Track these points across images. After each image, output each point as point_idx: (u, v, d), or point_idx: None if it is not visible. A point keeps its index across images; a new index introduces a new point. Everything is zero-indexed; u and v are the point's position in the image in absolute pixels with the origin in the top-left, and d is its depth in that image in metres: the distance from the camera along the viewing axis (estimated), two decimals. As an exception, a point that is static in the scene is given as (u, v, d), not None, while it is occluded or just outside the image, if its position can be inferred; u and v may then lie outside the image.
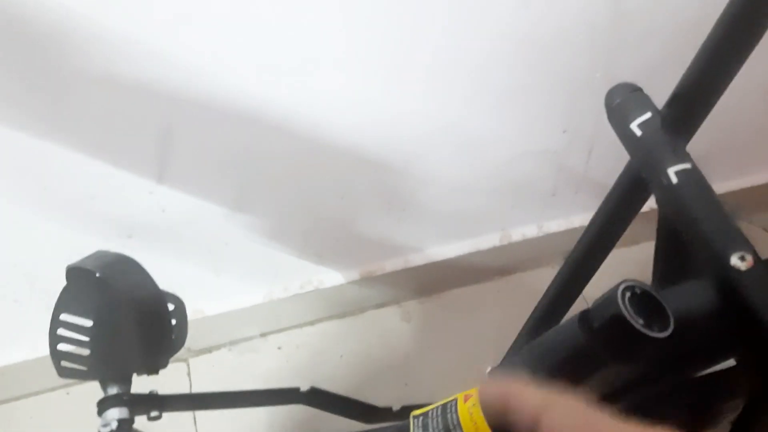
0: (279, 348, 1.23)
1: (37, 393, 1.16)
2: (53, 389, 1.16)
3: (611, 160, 1.10)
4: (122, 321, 0.64)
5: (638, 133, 0.49)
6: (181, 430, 1.11)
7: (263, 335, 1.24)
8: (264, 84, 0.82)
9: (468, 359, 1.21)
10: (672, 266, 0.52)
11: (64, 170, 0.84)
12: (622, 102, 0.52)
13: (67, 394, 1.16)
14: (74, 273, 0.66)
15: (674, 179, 0.46)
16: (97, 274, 0.63)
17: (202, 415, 1.13)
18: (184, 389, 1.18)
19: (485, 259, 1.24)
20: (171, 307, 0.70)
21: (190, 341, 1.19)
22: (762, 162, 1.25)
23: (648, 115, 0.49)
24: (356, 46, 0.82)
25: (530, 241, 1.23)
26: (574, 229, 1.22)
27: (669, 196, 0.46)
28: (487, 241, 1.22)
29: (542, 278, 1.27)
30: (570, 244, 1.24)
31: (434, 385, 1.17)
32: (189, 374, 1.20)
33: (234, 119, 0.85)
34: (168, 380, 1.21)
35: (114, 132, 0.82)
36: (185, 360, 1.21)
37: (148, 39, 0.74)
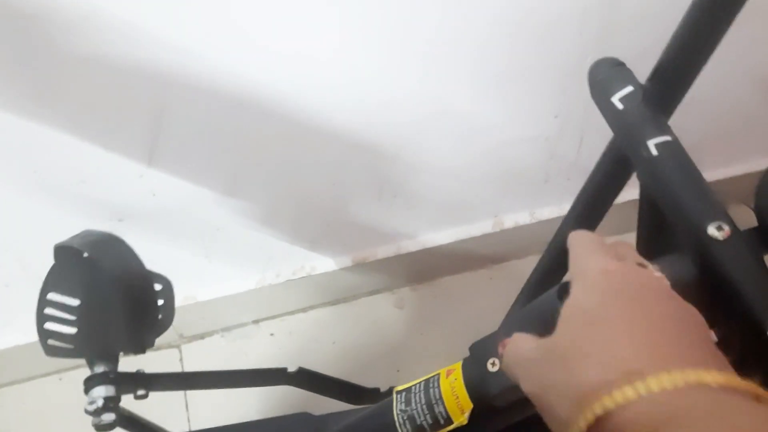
0: (271, 334, 1.23)
1: (29, 378, 1.16)
2: (46, 374, 1.16)
3: (602, 147, 1.11)
4: (108, 300, 0.64)
5: (620, 106, 0.49)
6: (172, 411, 1.12)
7: (256, 322, 1.24)
8: (255, 65, 0.82)
9: (460, 346, 1.20)
10: (653, 240, 0.52)
11: (53, 153, 0.84)
12: (604, 77, 0.52)
13: (60, 379, 1.17)
14: (62, 252, 0.66)
15: (654, 151, 0.46)
16: (84, 253, 0.63)
17: (193, 397, 1.13)
18: (176, 375, 1.18)
19: (478, 246, 1.24)
20: (158, 287, 0.70)
21: (182, 327, 1.20)
22: (752, 150, 1.25)
23: (629, 89, 0.49)
24: (350, 27, 0.82)
25: (523, 228, 1.23)
26: (567, 216, 1.22)
27: (649, 168, 0.46)
28: (480, 227, 1.22)
29: (534, 266, 1.27)
30: (562, 231, 1.24)
31: (426, 371, 1.16)
32: (181, 360, 1.20)
33: (225, 103, 0.85)
34: (160, 366, 1.22)
35: (103, 114, 0.82)
36: (177, 346, 1.21)
37: (138, 19, 0.74)
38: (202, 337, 1.22)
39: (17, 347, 1.08)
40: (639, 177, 0.50)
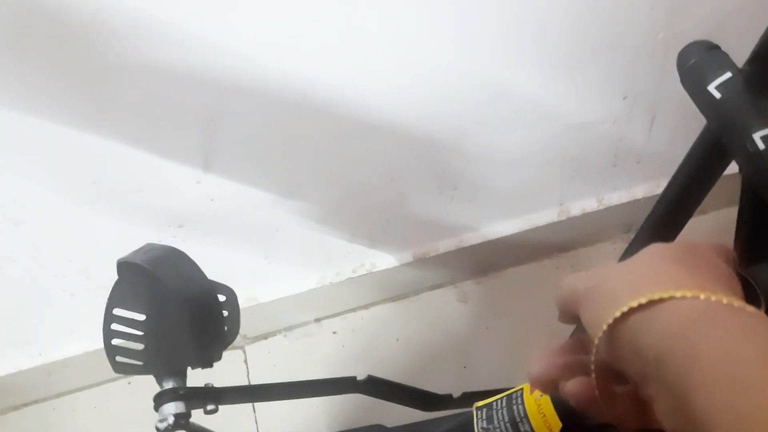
0: (334, 333, 1.22)
1: (98, 384, 1.18)
2: (114, 380, 1.18)
3: (676, 127, 1.05)
4: (173, 315, 0.63)
5: (717, 95, 0.44)
6: (241, 416, 1.12)
7: (318, 320, 1.22)
8: (307, 64, 0.80)
9: (528, 340, 1.17)
10: (758, 239, 0.47)
11: (110, 163, 0.84)
12: (696, 62, 0.47)
13: (129, 384, 1.18)
14: (124, 267, 0.65)
15: (761, 145, 0.41)
16: (147, 268, 0.62)
17: (261, 405, 1.13)
18: (241, 376, 1.18)
19: (543, 236, 1.19)
20: (222, 298, 0.69)
21: (245, 328, 1.19)
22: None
23: (728, 74, 0.44)
24: (403, 16, 0.78)
25: (590, 215, 1.18)
26: (637, 201, 1.16)
27: (754, 163, 0.42)
28: (545, 216, 1.18)
29: (603, 253, 1.22)
30: (632, 217, 1.19)
31: (494, 367, 1.14)
32: (246, 361, 1.19)
33: (278, 104, 0.83)
34: (225, 368, 1.22)
35: (157, 122, 0.81)
36: (242, 347, 1.21)
37: (189, 24, 0.72)
38: (265, 337, 1.21)
39: (86, 354, 1.09)
40: (741, 171, 0.45)
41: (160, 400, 0.64)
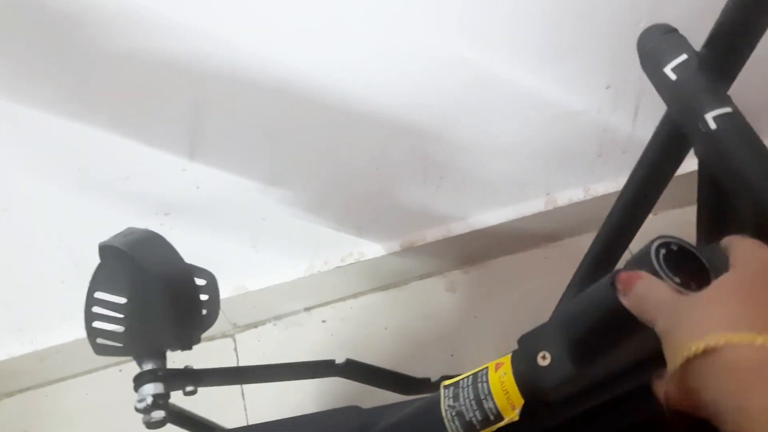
0: (323, 321, 1.23)
1: (90, 371, 1.19)
2: (106, 367, 1.19)
3: (661, 116, 1.05)
4: (152, 297, 0.64)
5: (673, 77, 0.45)
6: (230, 401, 1.13)
7: (307, 309, 1.24)
8: (291, 51, 0.80)
9: (515, 328, 1.17)
10: (716, 221, 0.48)
11: (95, 150, 0.85)
12: (655, 45, 0.47)
13: (120, 371, 1.19)
14: (105, 251, 0.66)
15: (713, 125, 0.42)
16: (125, 251, 0.63)
17: (249, 389, 1.14)
18: (231, 364, 1.19)
19: (530, 226, 1.20)
20: (202, 282, 0.70)
21: (235, 317, 1.21)
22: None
23: (683, 57, 0.45)
24: (384, 3, 0.79)
25: (577, 205, 1.19)
26: (623, 191, 1.17)
27: (708, 144, 0.43)
28: (532, 206, 1.18)
29: (590, 244, 1.22)
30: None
31: (481, 355, 1.15)
32: (236, 349, 1.21)
33: (262, 91, 0.83)
34: (215, 355, 1.23)
35: (142, 110, 0.82)
36: (232, 336, 1.22)
37: (171, 12, 0.73)
38: (255, 326, 1.23)
39: (78, 340, 1.11)
40: (697, 153, 0.46)
41: (139, 380, 0.65)
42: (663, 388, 0.34)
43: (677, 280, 0.39)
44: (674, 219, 1.07)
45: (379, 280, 1.24)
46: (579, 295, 0.46)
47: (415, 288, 1.25)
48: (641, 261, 0.42)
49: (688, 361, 0.31)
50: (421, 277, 1.26)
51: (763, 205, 0.38)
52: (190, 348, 0.68)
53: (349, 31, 0.81)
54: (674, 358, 0.32)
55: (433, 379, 0.80)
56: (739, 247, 0.38)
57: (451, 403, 0.53)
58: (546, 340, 0.49)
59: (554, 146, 1.08)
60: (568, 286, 0.75)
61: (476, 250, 1.24)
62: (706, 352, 0.30)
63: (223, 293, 1.12)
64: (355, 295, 1.25)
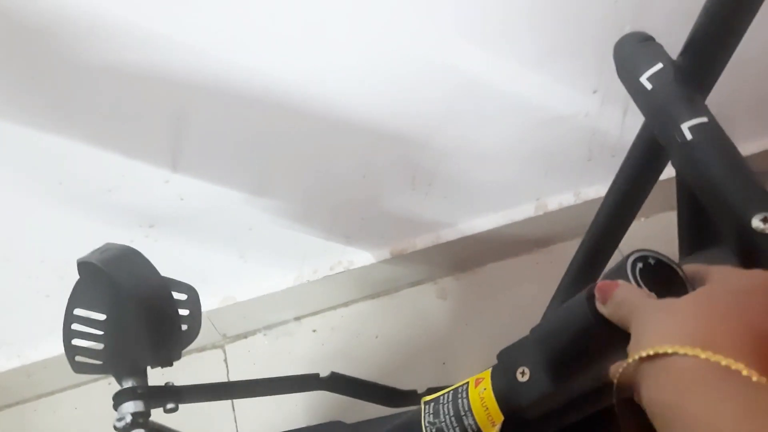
0: (314, 331, 1.22)
1: (79, 385, 1.18)
2: (95, 380, 1.18)
3: (649, 120, 1.04)
4: (129, 314, 0.63)
5: (648, 86, 0.44)
6: (221, 416, 1.12)
7: (297, 319, 1.23)
8: (270, 59, 0.79)
9: (508, 335, 1.16)
10: (695, 233, 0.47)
11: (75, 164, 0.84)
12: (630, 54, 0.47)
13: (109, 384, 1.18)
14: (84, 267, 0.66)
15: (689, 135, 0.41)
16: (100, 267, 0.62)
17: (240, 403, 1.13)
18: (221, 375, 1.18)
19: (521, 231, 1.19)
20: (183, 297, 0.69)
21: (225, 328, 1.20)
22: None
23: (659, 66, 0.44)
24: (366, 9, 0.78)
25: (567, 210, 1.18)
26: (614, 195, 1.16)
27: (684, 154, 0.42)
28: (522, 211, 1.18)
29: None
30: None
31: (473, 363, 1.14)
32: (225, 360, 1.20)
33: (243, 100, 0.82)
34: (205, 367, 1.22)
35: (122, 121, 0.81)
36: (222, 347, 1.21)
37: (148, 23, 0.72)
38: (245, 336, 1.22)
39: (65, 355, 1.09)
40: (673, 164, 0.45)
41: (118, 399, 0.64)
42: (617, 375, 0.36)
43: (653, 294, 0.38)
44: (665, 223, 1.06)
45: (369, 288, 1.23)
46: (556, 309, 0.45)
47: (406, 296, 1.24)
48: (618, 275, 0.41)
49: (641, 359, 0.33)
50: (412, 284, 1.25)
51: (737, 217, 0.37)
52: (170, 365, 0.67)
53: (334, 38, 0.80)
54: (632, 353, 0.35)
55: (420, 390, 0.79)
56: (719, 267, 0.39)
57: (431, 419, 0.52)
58: (525, 355, 0.48)
59: (543, 151, 1.07)
60: (555, 293, 0.74)
61: (467, 257, 1.23)
62: (657, 356, 0.33)
63: (212, 304, 1.13)
64: (345, 304, 1.24)
